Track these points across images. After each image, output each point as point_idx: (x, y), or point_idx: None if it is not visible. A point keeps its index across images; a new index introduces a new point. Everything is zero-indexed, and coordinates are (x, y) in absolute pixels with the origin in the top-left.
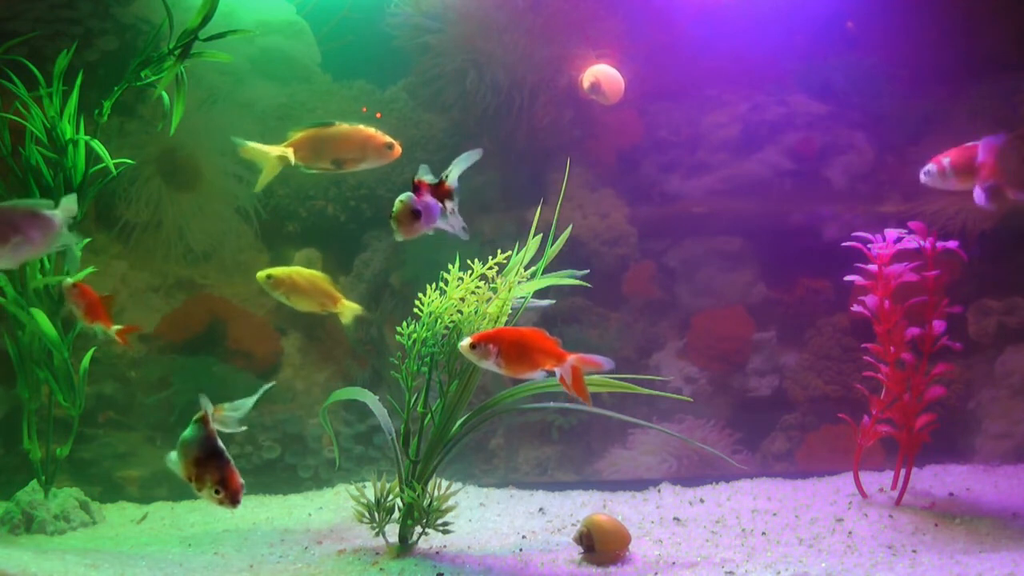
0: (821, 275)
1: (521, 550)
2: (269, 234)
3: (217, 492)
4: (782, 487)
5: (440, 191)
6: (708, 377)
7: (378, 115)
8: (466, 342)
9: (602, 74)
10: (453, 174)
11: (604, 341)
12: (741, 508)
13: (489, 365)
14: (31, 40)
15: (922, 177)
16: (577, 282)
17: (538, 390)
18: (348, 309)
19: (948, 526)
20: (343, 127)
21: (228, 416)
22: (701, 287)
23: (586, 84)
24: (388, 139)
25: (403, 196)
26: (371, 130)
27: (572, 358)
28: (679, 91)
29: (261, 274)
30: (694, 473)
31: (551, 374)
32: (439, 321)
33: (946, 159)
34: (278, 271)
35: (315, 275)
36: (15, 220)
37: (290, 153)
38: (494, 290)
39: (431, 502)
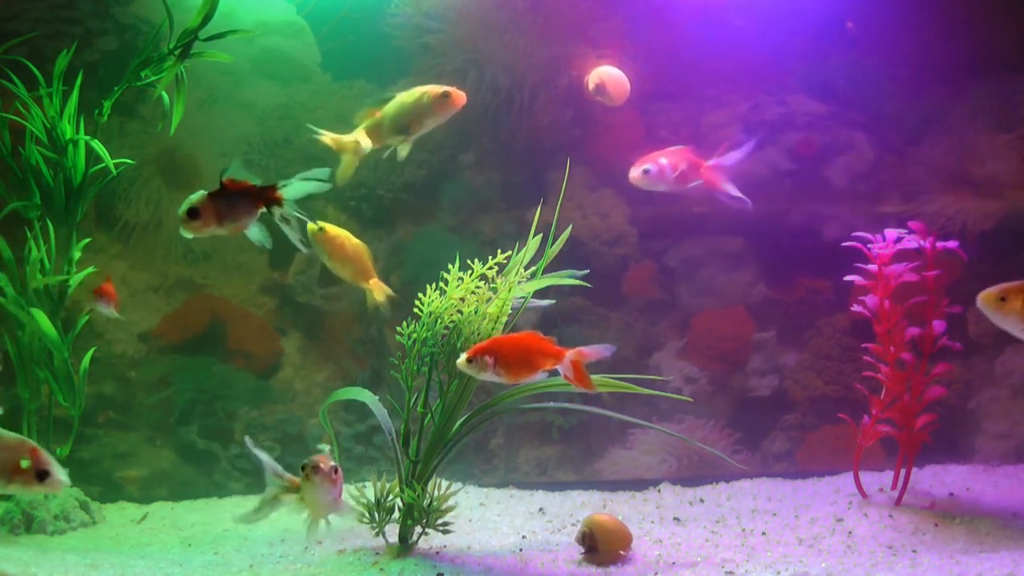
0: (821, 275)
1: (521, 550)
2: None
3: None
4: (782, 487)
5: (268, 196)
6: (708, 377)
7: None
8: (462, 358)
9: (607, 75)
10: (293, 189)
11: (604, 341)
12: (741, 508)
13: (489, 376)
14: (31, 40)
15: (638, 174)
16: (577, 282)
17: (538, 390)
18: (378, 289)
19: (948, 526)
20: (400, 96)
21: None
22: (701, 287)
23: (591, 85)
24: (442, 89)
25: (193, 195)
26: (423, 88)
27: (570, 353)
28: (679, 91)
29: (313, 225)
30: (694, 473)
31: (552, 373)
32: (439, 321)
33: (664, 159)
34: (330, 227)
35: (361, 247)
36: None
37: (364, 139)
38: (494, 290)
39: (431, 502)
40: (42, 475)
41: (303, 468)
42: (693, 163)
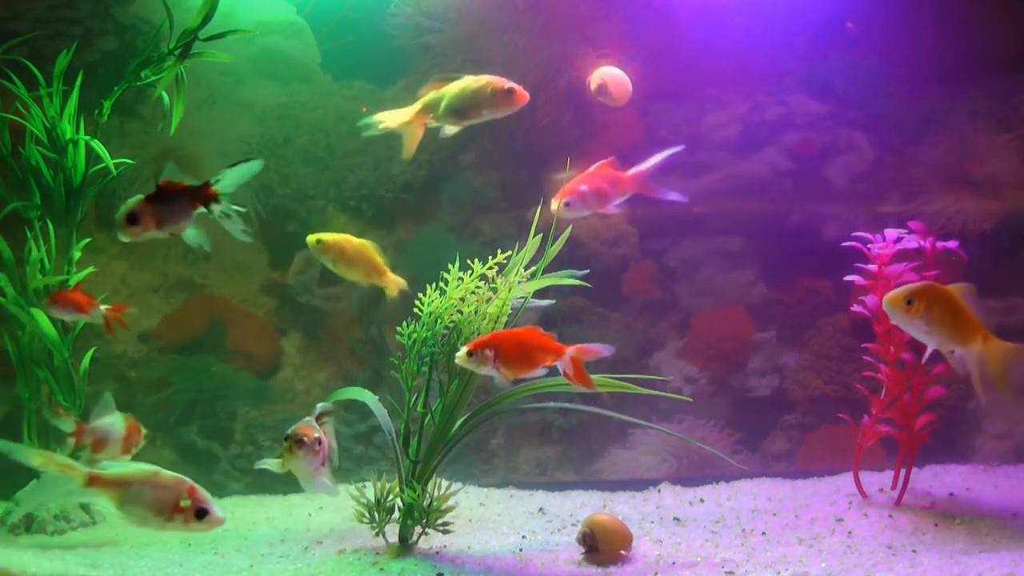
0: (821, 275)
1: (521, 550)
2: (269, 234)
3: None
4: (782, 487)
5: (204, 194)
6: (708, 377)
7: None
8: (463, 352)
9: (609, 76)
10: (227, 180)
11: (604, 341)
12: (741, 508)
13: (489, 370)
14: (31, 40)
15: (559, 208)
16: (577, 282)
17: (538, 390)
18: (393, 283)
19: (948, 526)
20: (467, 79)
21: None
22: (701, 287)
23: (593, 86)
24: (508, 85)
25: (130, 200)
26: (490, 77)
27: (570, 350)
28: (679, 91)
29: (311, 238)
30: (694, 473)
31: (552, 371)
32: (439, 321)
33: (583, 185)
34: (328, 236)
35: (365, 245)
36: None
37: (424, 114)
38: (494, 290)
39: (431, 502)
40: (201, 513)
41: (286, 439)
42: (613, 178)
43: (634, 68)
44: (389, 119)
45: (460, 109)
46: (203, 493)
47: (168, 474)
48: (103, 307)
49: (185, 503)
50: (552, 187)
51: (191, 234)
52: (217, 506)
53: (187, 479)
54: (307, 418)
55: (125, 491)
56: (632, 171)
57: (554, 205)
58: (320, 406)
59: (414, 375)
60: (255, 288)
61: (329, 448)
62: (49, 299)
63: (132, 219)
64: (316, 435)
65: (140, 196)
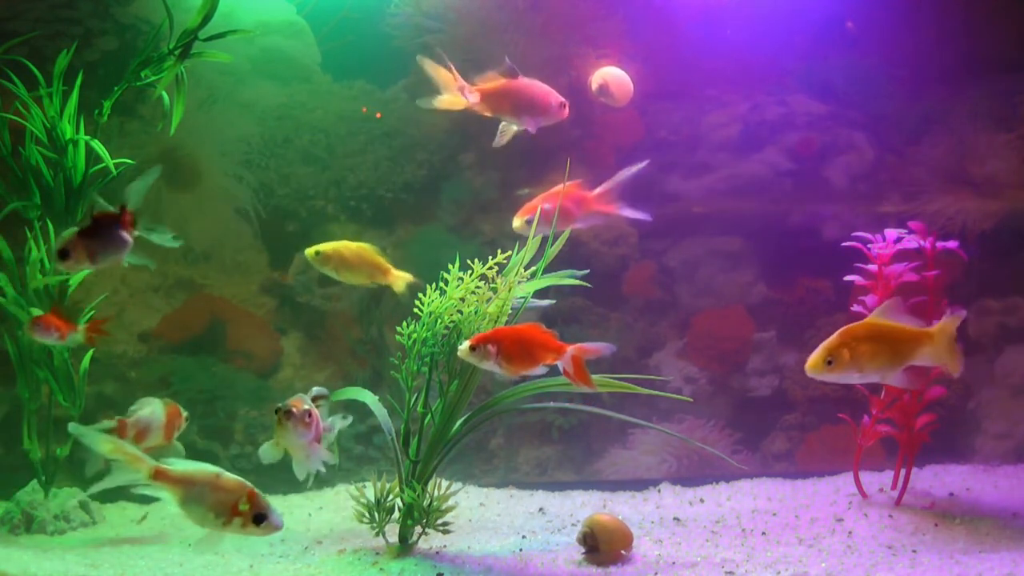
0: (821, 275)
1: (521, 550)
2: (269, 234)
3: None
4: (782, 487)
5: (124, 220)
6: (708, 377)
7: (378, 115)
8: (465, 345)
9: (610, 76)
10: (133, 197)
11: (604, 341)
12: (741, 508)
13: (490, 366)
14: (31, 40)
15: (522, 225)
16: (577, 282)
17: (538, 390)
18: (400, 279)
19: (948, 526)
20: (523, 81)
21: None
22: (701, 287)
23: (594, 86)
24: (561, 99)
25: (65, 232)
26: (544, 87)
27: (571, 348)
28: (679, 91)
29: (310, 251)
30: (694, 473)
31: (553, 370)
32: (439, 321)
33: (547, 204)
34: (326, 246)
35: (363, 247)
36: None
37: (476, 97)
38: (494, 290)
39: (431, 502)
40: (259, 519)
41: (276, 412)
42: (578, 198)
43: (634, 68)
44: (450, 82)
45: (525, 107)
46: (263, 499)
47: (230, 477)
48: (82, 327)
49: (244, 507)
50: (517, 203)
51: (129, 257)
52: (277, 514)
53: (248, 483)
54: (300, 394)
55: (187, 489)
56: (597, 190)
57: (516, 222)
58: (315, 390)
59: (414, 375)
60: (255, 288)
61: (320, 426)
62: (30, 323)
63: (63, 255)
64: (306, 407)
65: (74, 229)
